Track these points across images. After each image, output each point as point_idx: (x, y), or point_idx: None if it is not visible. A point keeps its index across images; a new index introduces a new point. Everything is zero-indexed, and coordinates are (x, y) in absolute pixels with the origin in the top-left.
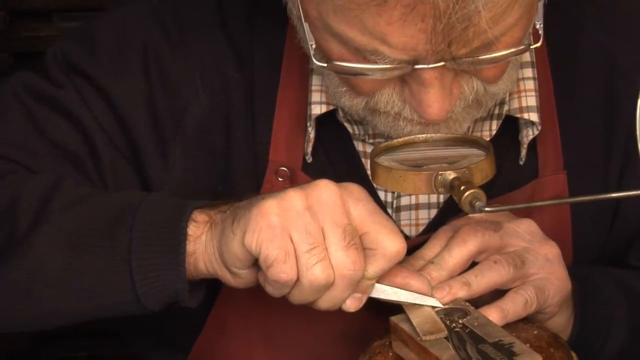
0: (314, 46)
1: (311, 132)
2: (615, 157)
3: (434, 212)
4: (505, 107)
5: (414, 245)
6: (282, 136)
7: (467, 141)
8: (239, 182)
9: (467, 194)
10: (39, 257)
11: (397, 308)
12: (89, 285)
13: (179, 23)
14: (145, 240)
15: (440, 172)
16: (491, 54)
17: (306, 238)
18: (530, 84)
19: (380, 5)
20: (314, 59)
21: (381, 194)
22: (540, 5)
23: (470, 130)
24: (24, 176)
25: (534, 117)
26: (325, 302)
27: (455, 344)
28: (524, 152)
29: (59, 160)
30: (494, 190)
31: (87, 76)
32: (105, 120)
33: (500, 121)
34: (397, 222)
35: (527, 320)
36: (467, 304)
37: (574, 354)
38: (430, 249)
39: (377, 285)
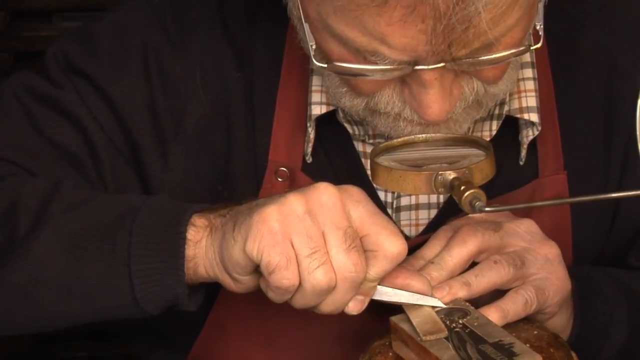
0: (314, 47)
1: (311, 133)
2: (616, 157)
3: (433, 212)
4: (506, 108)
5: (414, 246)
6: (282, 136)
7: (467, 141)
8: (238, 182)
9: (467, 194)
10: (38, 260)
11: (397, 308)
12: (88, 288)
13: (179, 23)
14: (144, 244)
15: (440, 172)
16: (491, 54)
17: (307, 242)
18: (531, 84)
19: (381, 6)
20: (314, 60)
21: (381, 194)
22: (541, 6)
23: (470, 131)
24: (24, 178)
25: (534, 117)
26: (328, 306)
27: (456, 344)
28: (524, 152)
29: (58, 161)
30: (494, 190)
31: (87, 76)
32: (105, 121)
33: (501, 121)
34: (397, 222)
35: (527, 320)
36: (467, 304)
37: (574, 354)
38: (430, 249)
39: (378, 287)
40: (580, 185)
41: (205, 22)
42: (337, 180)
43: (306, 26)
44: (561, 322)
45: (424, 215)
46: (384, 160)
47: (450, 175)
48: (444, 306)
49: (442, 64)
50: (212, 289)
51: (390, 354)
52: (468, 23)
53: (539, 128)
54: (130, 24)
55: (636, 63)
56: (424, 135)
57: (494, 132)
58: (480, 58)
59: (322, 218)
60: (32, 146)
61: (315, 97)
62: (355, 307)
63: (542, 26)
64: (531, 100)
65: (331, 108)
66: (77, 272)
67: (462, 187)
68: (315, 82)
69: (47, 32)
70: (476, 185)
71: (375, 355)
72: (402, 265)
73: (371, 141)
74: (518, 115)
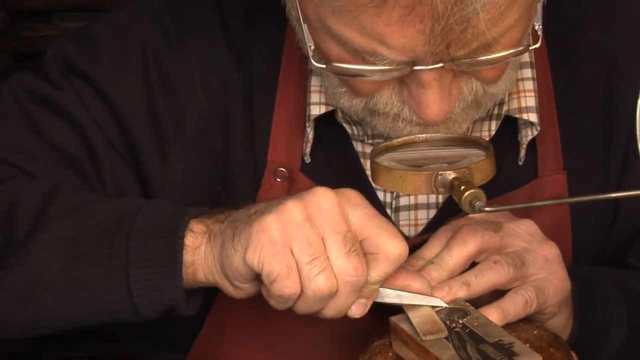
0: (312, 47)
1: (310, 133)
2: (615, 157)
3: (433, 213)
4: (505, 108)
5: (413, 246)
6: (281, 137)
7: (466, 141)
8: (237, 182)
9: (467, 194)
10: (37, 263)
11: (396, 308)
12: (86, 292)
13: (178, 23)
14: (142, 249)
15: (440, 172)
16: (490, 55)
17: (307, 249)
18: (530, 85)
19: (379, 6)
20: (312, 60)
21: (380, 195)
22: (539, 6)
23: (470, 131)
24: (23, 180)
25: (532, 117)
26: (331, 310)
27: (456, 344)
28: (523, 152)
29: (57, 162)
30: (493, 190)
31: (87, 78)
32: (104, 122)
33: (500, 121)
34: (396, 223)
35: (527, 321)
36: (467, 304)
37: (573, 354)
38: (430, 249)
39: (380, 289)
40: (580, 185)
41: (205, 22)
42: (336, 180)
43: (305, 27)
44: (561, 323)
45: (423, 215)
46: (383, 160)
47: (450, 175)
48: (445, 306)
49: (440, 65)
50: (210, 291)
51: (390, 354)
52: (466, 23)
53: (538, 128)
54: (129, 24)
55: (636, 63)
56: (423, 135)
57: (493, 132)
58: (478, 58)
59: (321, 223)
60: (31, 148)
61: (314, 97)
62: (358, 310)
63: (540, 26)
64: (530, 100)
65: (330, 108)
66: (76, 275)
67: (462, 187)
68: (314, 82)
69: (47, 32)
70: (476, 185)
71: (375, 355)
72: (401, 265)
73: (370, 141)
74: (517, 115)
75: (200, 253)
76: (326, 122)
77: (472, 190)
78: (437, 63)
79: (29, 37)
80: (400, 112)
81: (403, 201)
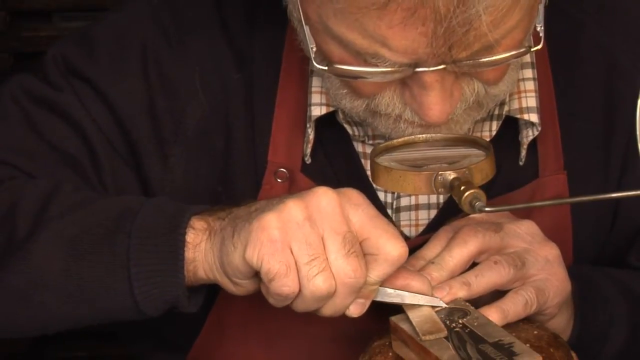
0: (314, 49)
1: (310, 134)
2: (616, 157)
3: (433, 213)
4: (505, 108)
5: (414, 246)
6: (281, 137)
7: (467, 141)
8: (238, 183)
9: (467, 194)
10: (38, 263)
11: (396, 308)
12: (88, 291)
13: (178, 24)
14: (143, 246)
15: (440, 172)
16: (492, 56)
17: (306, 249)
18: (530, 85)
19: (381, 8)
20: (314, 62)
21: (381, 195)
22: (541, 7)
23: (470, 131)
24: (23, 181)
25: (533, 117)
26: (329, 309)
27: (455, 344)
28: (524, 153)
29: (58, 163)
30: (494, 191)
31: (86, 79)
32: (105, 123)
33: (500, 122)
34: (396, 223)
35: (527, 321)
36: (467, 304)
37: (573, 354)
38: (431, 249)
39: (380, 288)
40: (580, 185)
41: (205, 23)
42: (337, 180)
43: (306, 28)
44: (561, 323)
45: (423, 215)
46: (384, 160)
47: (450, 175)
48: (445, 306)
49: (442, 66)
50: (211, 290)
51: (390, 354)
52: (469, 26)
53: (539, 128)
54: (129, 25)
55: (636, 63)
56: (424, 135)
57: (494, 133)
58: (480, 60)
59: (321, 223)
60: (32, 149)
61: (315, 98)
62: (356, 310)
63: (542, 27)
64: (531, 101)
65: (331, 109)
66: (77, 274)
67: (462, 187)
68: (315, 83)
69: (47, 32)
70: (476, 186)
71: (375, 355)
72: (402, 265)
73: (371, 142)
74: (518, 116)
75: (201, 250)
76: (327, 122)
77: (472, 191)
78: (439, 65)
79: (29, 37)
80: (402, 114)
81: (404, 201)
